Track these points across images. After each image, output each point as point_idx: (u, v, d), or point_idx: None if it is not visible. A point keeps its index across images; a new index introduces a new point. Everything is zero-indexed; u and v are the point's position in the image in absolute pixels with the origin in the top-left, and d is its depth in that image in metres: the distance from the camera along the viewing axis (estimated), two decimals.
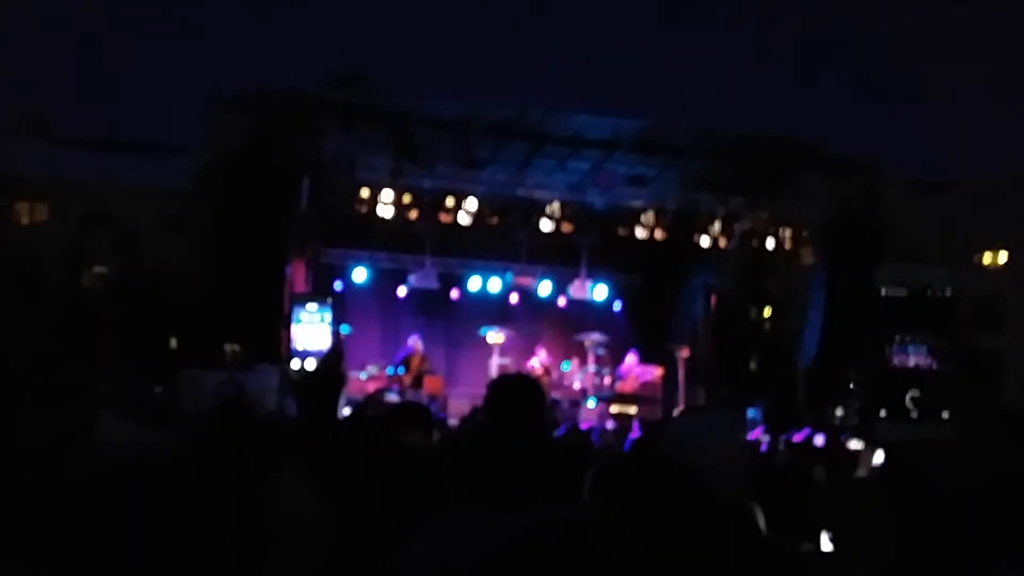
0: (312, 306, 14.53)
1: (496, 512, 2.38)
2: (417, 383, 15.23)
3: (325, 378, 10.75)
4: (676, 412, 15.50)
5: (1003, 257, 27.74)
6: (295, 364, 13.85)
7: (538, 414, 3.01)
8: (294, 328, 14.27)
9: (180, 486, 1.91)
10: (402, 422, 4.94)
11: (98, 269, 20.07)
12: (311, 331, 14.38)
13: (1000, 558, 1.07)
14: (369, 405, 11.02)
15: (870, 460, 6.94)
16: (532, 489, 2.50)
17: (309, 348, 14.15)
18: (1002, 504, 1.08)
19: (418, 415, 5.19)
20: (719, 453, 2.60)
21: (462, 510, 2.38)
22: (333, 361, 13.60)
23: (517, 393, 3.06)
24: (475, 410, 10.45)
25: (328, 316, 14.51)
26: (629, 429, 13.80)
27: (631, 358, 16.25)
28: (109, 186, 20.32)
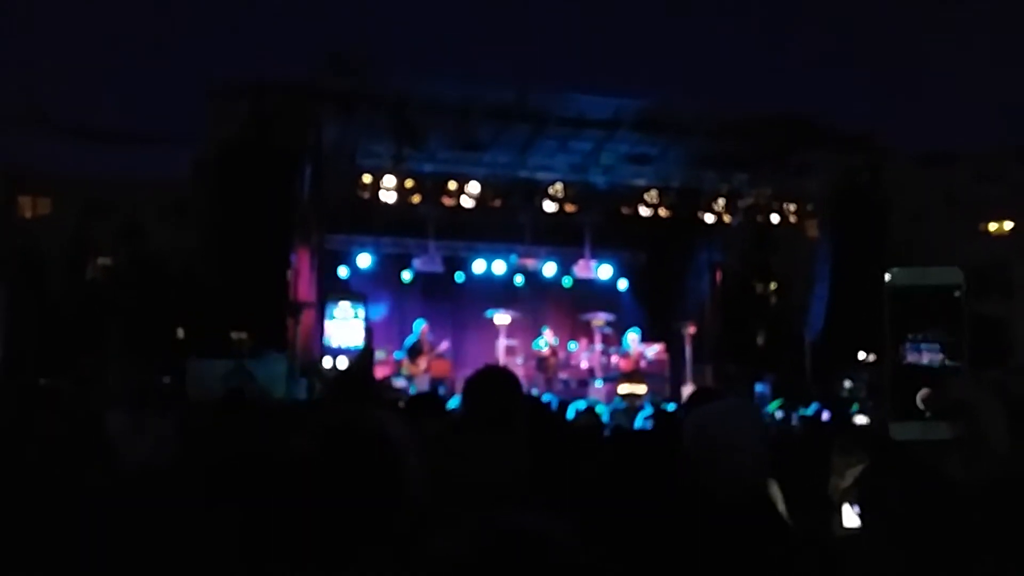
0: (345, 303, 14.89)
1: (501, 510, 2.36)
2: (427, 367, 15.26)
3: (357, 377, 10.79)
4: (686, 392, 15.51)
5: (1008, 225, 27.64)
6: (327, 361, 14.04)
7: (516, 404, 2.92)
8: (327, 324, 14.55)
9: (186, 494, 1.91)
10: (417, 412, 4.95)
11: (102, 260, 20.07)
12: (344, 328, 14.69)
13: (1011, 557, 1.06)
14: (378, 392, 11.05)
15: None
16: (516, 484, 2.46)
17: (342, 345, 14.44)
18: (1015, 502, 1.06)
19: (432, 404, 5.19)
20: (743, 441, 2.59)
21: (476, 510, 2.35)
22: (365, 361, 13.74)
23: (493, 385, 3.00)
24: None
25: (362, 313, 14.75)
26: (638, 408, 13.83)
27: (632, 336, 16.17)
28: (111, 177, 20.26)
